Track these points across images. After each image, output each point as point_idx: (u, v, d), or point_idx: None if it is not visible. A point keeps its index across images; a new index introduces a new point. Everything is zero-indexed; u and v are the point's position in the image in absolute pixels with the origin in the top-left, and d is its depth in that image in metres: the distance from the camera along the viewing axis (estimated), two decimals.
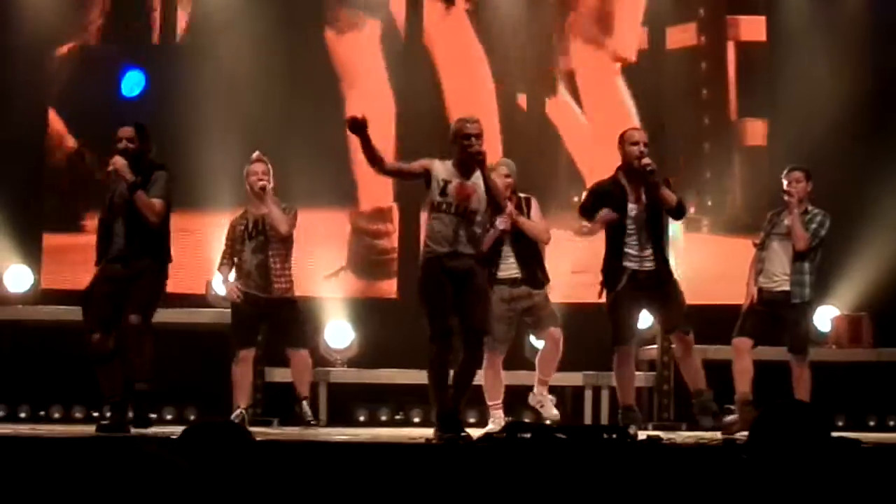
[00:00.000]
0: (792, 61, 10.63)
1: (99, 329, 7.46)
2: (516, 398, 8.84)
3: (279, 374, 8.88)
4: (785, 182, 8.28)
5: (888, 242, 10.10)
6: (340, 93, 10.55)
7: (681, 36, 10.86)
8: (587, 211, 7.81)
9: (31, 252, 10.02)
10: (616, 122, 9.48)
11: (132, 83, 10.43)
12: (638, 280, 7.61)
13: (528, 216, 8.17)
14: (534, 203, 8.28)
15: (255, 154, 8.56)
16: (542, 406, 8.36)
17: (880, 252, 10.09)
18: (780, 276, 8.22)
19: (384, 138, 9.67)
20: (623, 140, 7.72)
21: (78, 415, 9.17)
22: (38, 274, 9.88)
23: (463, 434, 6.90)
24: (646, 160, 7.53)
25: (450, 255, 7.15)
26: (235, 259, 8.56)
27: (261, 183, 8.40)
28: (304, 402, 8.48)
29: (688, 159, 10.67)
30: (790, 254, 8.20)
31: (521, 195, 8.24)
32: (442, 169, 7.22)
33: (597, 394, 9.49)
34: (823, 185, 9.63)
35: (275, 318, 8.50)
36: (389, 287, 10.45)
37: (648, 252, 7.62)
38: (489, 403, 8.21)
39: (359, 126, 6.96)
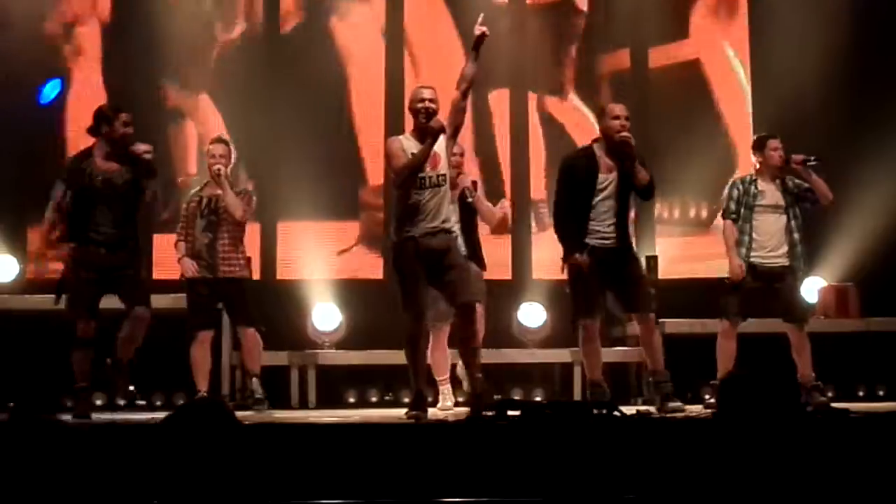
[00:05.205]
0: (774, 32, 10.63)
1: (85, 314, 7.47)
2: (506, 376, 8.83)
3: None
4: (769, 150, 8.17)
5: (874, 213, 10.10)
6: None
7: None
8: (566, 187, 7.69)
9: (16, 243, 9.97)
10: None
11: (50, 90, 10.36)
12: (598, 255, 7.50)
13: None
14: (478, 186, 8.29)
15: (216, 135, 8.50)
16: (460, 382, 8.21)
17: (866, 222, 10.08)
18: (777, 248, 8.13)
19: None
20: (605, 114, 7.67)
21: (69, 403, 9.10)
22: (23, 264, 9.82)
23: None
24: (625, 133, 7.48)
25: (430, 233, 7.03)
26: (189, 237, 8.39)
27: (216, 166, 8.26)
28: (255, 380, 8.25)
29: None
30: (781, 224, 8.13)
31: (470, 178, 8.15)
32: (406, 144, 7.10)
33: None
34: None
35: (224, 297, 8.34)
36: (375, 268, 10.39)
37: (611, 228, 7.54)
38: (438, 379, 8.17)
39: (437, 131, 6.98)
